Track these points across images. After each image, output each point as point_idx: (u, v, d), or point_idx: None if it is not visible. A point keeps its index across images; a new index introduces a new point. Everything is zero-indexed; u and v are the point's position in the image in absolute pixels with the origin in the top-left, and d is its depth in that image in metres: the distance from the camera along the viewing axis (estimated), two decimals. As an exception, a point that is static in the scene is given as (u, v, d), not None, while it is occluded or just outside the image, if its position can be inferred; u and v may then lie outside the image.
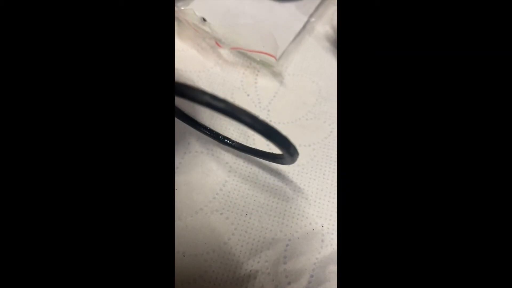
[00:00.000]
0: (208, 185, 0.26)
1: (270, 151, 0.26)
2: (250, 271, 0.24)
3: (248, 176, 0.27)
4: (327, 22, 0.36)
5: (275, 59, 0.30)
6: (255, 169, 0.28)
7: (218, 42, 0.31)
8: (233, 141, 0.28)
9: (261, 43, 0.29)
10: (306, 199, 0.26)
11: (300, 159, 0.28)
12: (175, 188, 0.26)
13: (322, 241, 0.25)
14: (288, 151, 0.18)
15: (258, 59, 0.31)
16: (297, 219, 0.26)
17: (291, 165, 0.28)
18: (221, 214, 0.25)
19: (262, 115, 0.30)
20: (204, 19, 0.32)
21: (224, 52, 0.32)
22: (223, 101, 0.14)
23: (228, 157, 0.28)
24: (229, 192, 0.26)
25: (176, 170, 0.27)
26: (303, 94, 0.32)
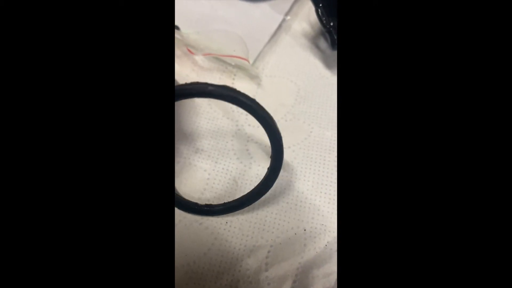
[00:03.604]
0: (185, 195, 0.26)
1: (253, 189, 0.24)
2: (232, 280, 0.23)
3: (227, 183, 0.27)
4: (304, 19, 0.35)
5: (248, 62, 0.29)
6: (234, 175, 0.27)
7: (189, 49, 0.30)
8: (214, 205, 0.25)
9: (232, 47, 0.28)
10: (287, 203, 0.26)
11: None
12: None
13: (305, 245, 0.24)
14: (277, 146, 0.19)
15: (233, 63, 0.31)
16: (279, 224, 0.25)
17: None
18: (201, 224, 0.25)
19: (241, 119, 0.30)
20: (177, 27, 0.31)
21: (199, 58, 0.32)
22: (225, 87, 0.16)
23: (206, 164, 0.27)
24: (208, 200, 0.26)
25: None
26: (282, 95, 0.31)
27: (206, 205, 0.25)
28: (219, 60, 0.31)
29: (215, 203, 0.26)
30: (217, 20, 0.33)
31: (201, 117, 0.30)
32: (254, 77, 0.31)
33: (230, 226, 0.25)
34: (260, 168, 0.27)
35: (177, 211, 0.25)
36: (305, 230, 0.25)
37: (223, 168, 0.27)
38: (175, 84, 0.17)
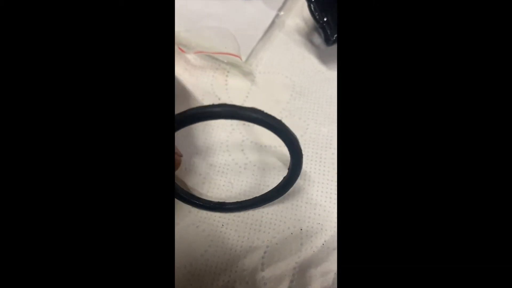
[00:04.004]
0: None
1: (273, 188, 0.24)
2: (228, 281, 0.23)
3: (223, 186, 0.26)
4: (297, 14, 0.34)
5: (240, 58, 0.29)
6: (230, 178, 0.27)
7: (181, 48, 0.30)
8: (233, 203, 0.25)
9: (223, 44, 0.28)
10: (283, 203, 0.26)
11: (275, 162, 0.27)
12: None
13: (301, 244, 0.24)
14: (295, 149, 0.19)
15: (226, 61, 0.30)
16: (275, 224, 0.25)
17: (266, 170, 0.27)
18: (197, 227, 0.25)
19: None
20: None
21: (191, 57, 0.31)
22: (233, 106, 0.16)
23: (201, 169, 0.27)
24: (204, 202, 0.26)
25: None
26: (276, 91, 0.31)
27: (218, 203, 0.25)
28: (212, 57, 0.31)
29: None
30: (208, 17, 0.33)
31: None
32: (247, 74, 0.31)
33: (226, 228, 0.25)
34: (255, 169, 0.27)
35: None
36: (301, 229, 0.25)
37: (218, 171, 0.27)
38: (198, 105, 0.17)
